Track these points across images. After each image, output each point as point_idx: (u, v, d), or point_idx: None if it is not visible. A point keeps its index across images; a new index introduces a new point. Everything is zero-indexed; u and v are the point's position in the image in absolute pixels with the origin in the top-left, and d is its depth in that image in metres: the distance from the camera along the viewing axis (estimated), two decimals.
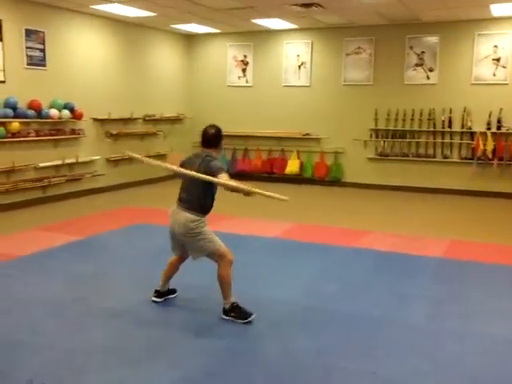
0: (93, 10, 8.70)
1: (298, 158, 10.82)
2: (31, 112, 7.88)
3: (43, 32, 8.19)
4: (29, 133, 7.90)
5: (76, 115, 8.67)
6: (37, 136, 8.04)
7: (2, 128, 7.44)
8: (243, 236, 6.39)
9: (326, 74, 10.53)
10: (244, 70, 11.28)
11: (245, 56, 11.21)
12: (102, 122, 9.43)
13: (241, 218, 7.43)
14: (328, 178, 10.62)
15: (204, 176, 3.71)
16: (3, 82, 7.61)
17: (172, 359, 3.35)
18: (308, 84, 10.70)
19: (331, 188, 10.37)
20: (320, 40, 10.52)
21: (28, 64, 8.00)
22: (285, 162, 10.88)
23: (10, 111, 7.53)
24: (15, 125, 7.61)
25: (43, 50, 8.23)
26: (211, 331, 3.75)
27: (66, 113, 8.43)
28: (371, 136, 10.22)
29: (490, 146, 9.22)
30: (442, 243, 6.24)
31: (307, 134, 10.70)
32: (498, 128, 9.25)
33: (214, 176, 3.73)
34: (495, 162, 9.27)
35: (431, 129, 9.74)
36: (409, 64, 9.87)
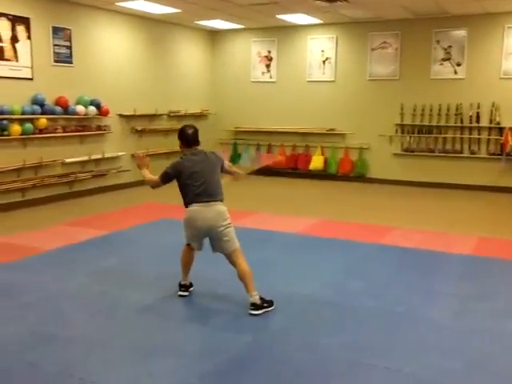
0: (118, 7, 8.78)
1: (323, 154, 10.76)
2: (58, 108, 8.00)
3: (70, 29, 8.30)
4: (56, 129, 8.03)
5: (102, 111, 8.77)
6: (64, 132, 8.15)
7: (30, 124, 7.57)
8: (267, 231, 6.39)
9: (351, 68, 10.45)
10: (268, 66, 11.26)
11: (269, 51, 11.18)
12: (128, 118, 9.52)
13: (264, 214, 7.43)
14: (352, 174, 10.55)
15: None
16: (31, 79, 7.74)
17: (199, 353, 3.37)
18: (333, 79, 10.63)
19: (356, 184, 10.29)
20: (345, 35, 10.43)
21: (55, 61, 8.11)
22: (309, 157, 10.83)
23: (37, 108, 7.66)
24: (43, 121, 7.73)
25: (70, 48, 8.33)
26: (236, 325, 3.76)
27: (92, 109, 8.54)
28: (397, 131, 10.11)
29: None
30: (469, 240, 6.14)
31: (331, 130, 10.63)
32: None
33: (223, 166, 4.22)
34: None
35: (458, 124, 9.59)
36: (435, 58, 9.72)
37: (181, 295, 4.24)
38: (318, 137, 10.80)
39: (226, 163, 4.32)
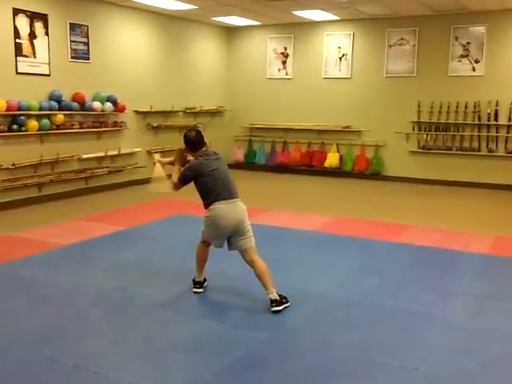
0: (135, 3, 8.81)
1: (338, 151, 10.71)
2: (75, 104, 8.06)
3: (87, 26, 8.34)
4: (73, 125, 8.09)
5: (118, 108, 8.82)
6: (80, 128, 8.21)
7: (47, 120, 7.64)
8: (282, 229, 6.38)
9: (368, 65, 10.38)
10: (284, 63, 11.23)
11: (285, 48, 11.15)
12: (144, 114, 9.56)
13: (280, 211, 7.42)
14: (368, 172, 10.49)
15: None
16: (48, 75, 7.80)
17: (213, 349, 3.38)
18: (349, 76, 10.57)
19: (371, 181, 10.23)
20: (362, 31, 10.36)
21: (72, 57, 8.17)
22: (324, 154, 10.78)
23: (54, 104, 7.72)
24: (60, 117, 7.80)
25: (87, 44, 8.39)
26: (251, 323, 3.76)
27: (108, 105, 8.59)
28: (413, 129, 10.02)
29: None
30: (486, 239, 6.07)
31: (347, 127, 10.58)
32: None
33: None
34: None
35: (476, 122, 9.48)
36: (453, 55, 9.62)
37: (196, 292, 4.25)
38: (333, 134, 10.75)
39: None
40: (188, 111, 10.56)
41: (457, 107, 9.59)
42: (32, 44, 7.54)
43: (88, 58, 8.42)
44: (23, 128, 7.34)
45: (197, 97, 10.81)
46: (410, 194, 9.15)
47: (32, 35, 7.54)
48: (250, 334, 3.58)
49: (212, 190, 3.97)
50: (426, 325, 3.78)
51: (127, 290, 4.32)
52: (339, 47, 10.60)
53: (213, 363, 3.19)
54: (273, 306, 3.85)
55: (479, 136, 9.53)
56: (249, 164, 11.37)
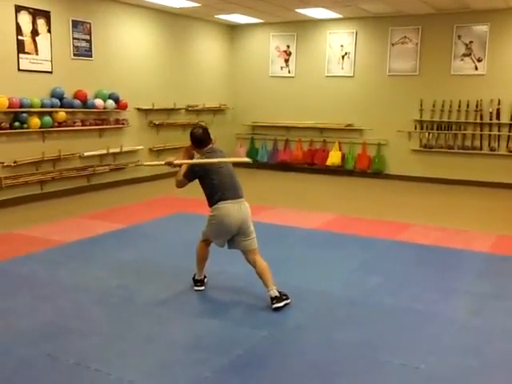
0: (138, 0, 8.81)
1: (340, 150, 10.70)
2: (77, 102, 8.06)
3: (89, 23, 8.34)
4: (75, 122, 8.09)
5: (120, 105, 8.81)
6: (82, 125, 8.21)
7: (49, 117, 7.63)
8: (284, 227, 6.38)
9: (370, 64, 10.36)
10: (287, 61, 11.21)
11: (288, 46, 11.13)
12: (146, 112, 9.56)
13: (282, 209, 7.42)
14: (370, 170, 10.47)
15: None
16: (50, 72, 7.80)
17: (214, 347, 3.37)
18: (351, 74, 10.55)
19: (373, 180, 10.22)
20: (364, 29, 10.34)
21: (74, 55, 8.16)
22: (326, 153, 10.77)
23: (56, 101, 7.72)
24: (61, 114, 7.79)
25: (89, 41, 8.38)
26: (252, 320, 3.76)
27: (110, 103, 8.58)
28: (416, 127, 10.01)
29: None
30: (488, 238, 6.07)
31: (349, 125, 10.57)
32: None
33: None
34: None
35: (478, 120, 9.47)
36: (456, 54, 9.59)
37: (197, 290, 4.25)
38: (335, 132, 10.74)
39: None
40: (190, 109, 10.56)
41: (459, 106, 9.57)
42: (34, 41, 7.54)
43: (90, 56, 8.42)
44: (25, 125, 7.34)
45: (199, 95, 10.81)
46: (411, 192, 9.14)
47: (34, 32, 7.53)
48: (251, 331, 3.58)
49: (218, 188, 3.93)
50: (428, 323, 3.78)
51: (128, 288, 4.32)
52: (342, 45, 10.58)
53: (213, 361, 3.18)
54: (273, 303, 3.85)
55: (481, 135, 9.51)
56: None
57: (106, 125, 8.65)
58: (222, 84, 11.59)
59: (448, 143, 9.77)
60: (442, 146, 9.81)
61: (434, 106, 9.75)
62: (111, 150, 8.76)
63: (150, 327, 3.66)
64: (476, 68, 9.47)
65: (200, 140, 4.08)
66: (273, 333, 3.58)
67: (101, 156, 8.67)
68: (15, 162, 7.30)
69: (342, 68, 10.63)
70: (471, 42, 9.46)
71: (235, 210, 3.90)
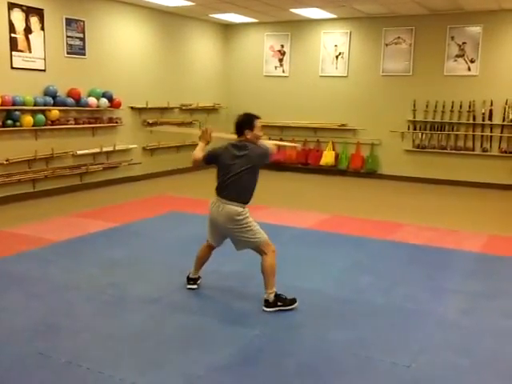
0: None
1: (334, 149, 10.73)
2: (70, 100, 8.03)
3: (83, 21, 8.32)
4: (68, 121, 8.06)
5: (114, 104, 8.80)
6: (75, 124, 8.19)
7: (42, 116, 7.61)
8: (277, 226, 6.38)
9: (364, 64, 10.39)
10: (281, 60, 11.23)
11: (282, 46, 11.15)
12: (140, 110, 9.54)
13: (275, 208, 7.43)
14: (363, 170, 10.51)
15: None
16: (44, 70, 7.77)
17: (206, 346, 3.37)
18: (345, 74, 10.58)
19: (367, 180, 10.25)
20: (359, 30, 10.37)
21: (68, 53, 8.14)
22: (320, 152, 10.80)
23: (49, 99, 7.69)
24: (55, 113, 7.77)
25: (83, 39, 8.36)
26: (245, 320, 3.76)
27: (104, 101, 8.56)
28: (409, 128, 10.05)
29: None
30: (479, 238, 6.11)
31: (343, 125, 10.59)
32: None
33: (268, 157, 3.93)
34: None
35: (471, 121, 9.52)
36: (449, 55, 9.64)
37: (190, 288, 4.24)
38: (329, 132, 10.77)
39: (268, 145, 4.04)
40: (184, 108, 10.55)
41: (452, 106, 9.62)
42: (27, 39, 7.51)
43: (84, 54, 8.40)
44: (18, 123, 7.31)
45: (193, 94, 10.80)
46: (404, 192, 9.17)
47: (27, 30, 7.50)
48: (244, 330, 3.59)
49: (219, 182, 3.92)
50: (419, 322, 3.80)
51: (120, 287, 4.31)
52: (336, 45, 10.61)
53: (205, 360, 3.18)
54: (263, 305, 3.88)
55: (474, 135, 9.57)
56: None
57: (100, 123, 8.62)
58: (216, 83, 11.58)
59: (441, 144, 9.82)
60: (435, 147, 9.85)
61: (427, 106, 9.80)
62: (104, 149, 8.74)
63: (141, 325, 3.66)
64: (469, 69, 9.53)
65: (235, 125, 3.96)
66: (265, 332, 3.59)
67: (94, 154, 8.64)
68: (7, 160, 7.27)
69: (336, 68, 10.66)
70: (464, 43, 9.51)
71: (216, 207, 3.88)
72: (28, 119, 7.38)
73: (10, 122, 7.23)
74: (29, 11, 7.49)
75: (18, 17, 7.36)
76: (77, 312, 3.84)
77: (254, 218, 3.98)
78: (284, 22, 10.90)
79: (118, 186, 8.95)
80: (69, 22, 8.09)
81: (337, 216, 7.11)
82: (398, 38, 10.02)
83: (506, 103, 9.21)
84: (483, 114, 9.40)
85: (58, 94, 7.84)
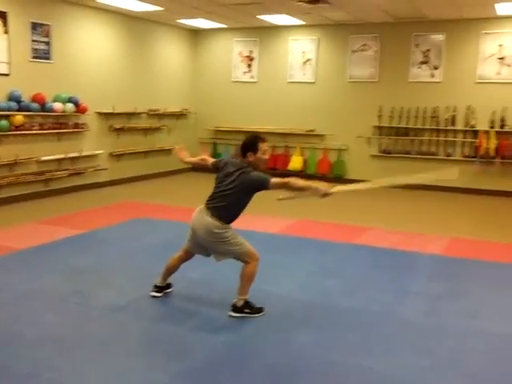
0: (99, 3, 8.72)
1: (302, 155, 10.82)
2: (35, 105, 7.91)
3: (49, 25, 8.21)
4: (32, 126, 7.93)
5: (80, 109, 8.69)
6: (40, 129, 8.06)
7: (6, 121, 7.47)
8: (244, 231, 6.36)
9: (332, 70, 10.52)
10: (249, 66, 11.28)
11: (250, 51, 11.21)
12: (106, 116, 9.46)
13: (242, 214, 7.42)
14: (331, 175, 10.62)
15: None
16: (7, 75, 7.64)
17: (171, 353, 3.37)
18: (313, 80, 10.69)
19: (334, 185, 10.32)
20: (326, 37, 10.50)
21: (33, 57, 8.02)
22: (288, 158, 10.88)
23: (13, 104, 7.56)
24: (19, 118, 7.64)
25: (48, 44, 8.25)
26: (210, 326, 3.76)
27: (70, 106, 8.46)
28: (375, 133, 10.22)
29: (492, 145, 9.22)
30: (442, 240, 6.25)
31: (311, 131, 10.70)
32: (502, 127, 9.24)
33: (265, 187, 3.69)
34: (498, 160, 9.27)
35: (434, 127, 9.73)
36: (414, 62, 9.85)
37: (153, 296, 4.20)
38: (297, 137, 10.86)
39: (275, 181, 3.70)
40: (152, 113, 10.49)
41: (416, 112, 9.82)
42: None
43: (49, 58, 8.28)
44: None
45: (161, 99, 10.76)
46: (370, 196, 9.28)
47: None
48: (210, 337, 3.59)
49: (212, 191, 3.93)
50: (382, 324, 3.87)
51: (84, 295, 4.27)
52: (304, 52, 10.72)
53: (170, 367, 3.18)
54: (230, 310, 3.89)
55: (437, 140, 9.78)
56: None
57: (65, 129, 8.51)
58: (185, 88, 11.57)
59: (406, 149, 10.00)
60: (400, 152, 10.04)
61: (392, 112, 9.98)
62: (70, 155, 8.62)
63: (106, 333, 3.63)
64: (432, 75, 9.74)
65: (241, 147, 3.91)
66: (230, 337, 3.60)
67: (59, 160, 8.52)
68: None
69: (304, 74, 10.76)
70: (428, 51, 9.73)
71: (196, 214, 3.89)
72: None
73: None
74: None
75: None
76: (40, 321, 3.78)
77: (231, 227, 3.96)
78: (253, 28, 10.97)
79: (84, 193, 8.84)
80: (34, 25, 7.97)
81: (304, 221, 7.17)
82: (365, 45, 10.19)
83: (468, 109, 9.45)
84: (446, 119, 9.62)
85: (22, 99, 7.71)
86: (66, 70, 8.60)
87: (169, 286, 4.30)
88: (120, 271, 4.88)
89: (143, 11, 9.32)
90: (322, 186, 3.80)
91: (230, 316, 3.88)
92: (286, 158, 10.88)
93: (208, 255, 4.01)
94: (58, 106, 8.24)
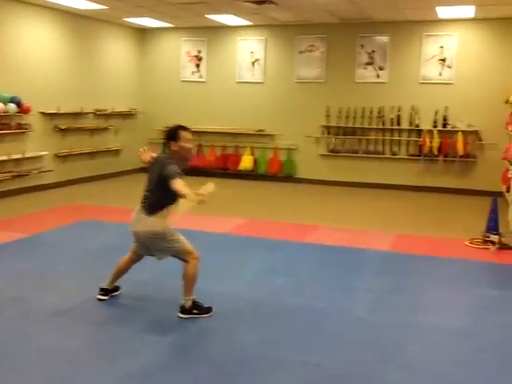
0: (42, 1, 8.47)
1: (252, 154, 10.86)
2: None
3: None
4: None
5: (23, 109, 8.41)
6: None
7: None
8: (192, 232, 6.32)
9: (280, 70, 10.61)
10: (198, 66, 11.23)
11: (199, 51, 11.15)
12: (51, 116, 9.20)
13: (192, 215, 7.37)
14: (281, 174, 10.71)
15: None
16: None
17: (118, 356, 3.32)
18: (262, 81, 10.75)
19: (284, 184, 10.45)
20: (274, 37, 10.57)
21: None
22: (239, 158, 10.89)
23: None
24: None
25: None
26: (157, 328, 3.73)
27: (12, 106, 8.18)
28: (323, 133, 10.36)
29: (436, 143, 9.52)
30: (388, 237, 6.40)
31: (261, 131, 10.74)
32: (444, 126, 9.55)
33: (168, 181, 3.66)
34: (440, 158, 9.58)
35: (380, 126, 9.96)
36: (360, 62, 10.05)
37: (100, 299, 4.13)
38: (247, 137, 10.88)
39: (174, 182, 3.67)
40: (99, 113, 10.28)
41: (363, 112, 10.02)
42: None
43: None
44: None
45: (108, 98, 10.56)
46: (320, 195, 9.44)
47: None
48: (157, 338, 3.55)
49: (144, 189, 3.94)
50: (329, 321, 3.93)
51: (26, 300, 4.14)
52: (252, 52, 10.75)
53: (117, 370, 3.13)
54: (179, 311, 3.87)
55: (383, 140, 10.02)
56: None
57: (7, 129, 8.22)
58: (133, 88, 11.40)
59: (353, 148, 10.20)
60: (348, 151, 10.22)
61: (339, 112, 10.15)
62: (13, 156, 8.34)
63: (49, 339, 3.53)
64: (378, 76, 9.97)
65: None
66: (178, 338, 3.58)
67: (1, 162, 8.22)
68: None
69: (253, 74, 10.80)
70: (373, 52, 9.95)
71: (134, 215, 3.91)
72: None
73: None
74: None
75: None
76: None
77: (171, 225, 3.93)
78: (201, 28, 10.93)
79: (29, 195, 8.56)
80: None
81: (254, 220, 7.20)
82: (311, 45, 10.32)
83: (413, 109, 9.72)
84: (392, 119, 9.87)
85: None
86: (7, 69, 8.31)
87: (116, 288, 4.23)
88: (64, 275, 4.76)
89: (88, 9, 9.12)
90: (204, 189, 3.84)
91: (179, 317, 3.85)
92: (237, 158, 10.89)
93: (152, 254, 3.98)
94: None
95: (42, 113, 9.00)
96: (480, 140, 9.44)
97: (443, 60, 9.53)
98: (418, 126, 9.71)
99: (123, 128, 11.00)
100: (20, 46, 8.54)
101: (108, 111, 10.46)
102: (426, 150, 9.56)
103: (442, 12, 8.66)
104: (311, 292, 4.49)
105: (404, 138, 9.90)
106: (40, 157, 8.95)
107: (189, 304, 3.86)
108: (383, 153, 10.03)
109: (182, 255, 3.87)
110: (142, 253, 4.02)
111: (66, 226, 6.53)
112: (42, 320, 3.80)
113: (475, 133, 9.42)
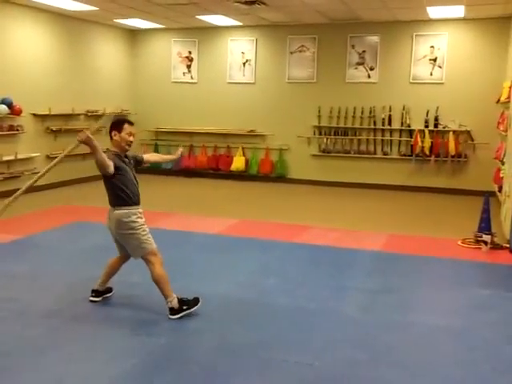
0: (33, 2, 8.45)
1: (244, 155, 10.87)
2: None
3: None
4: None
5: (14, 111, 8.40)
6: None
7: None
8: (185, 232, 6.39)
9: (271, 71, 10.63)
10: (189, 67, 11.23)
11: (189, 52, 11.16)
12: (42, 117, 9.18)
13: (184, 215, 7.42)
14: (273, 175, 10.73)
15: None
16: None
17: (110, 358, 3.32)
18: (253, 81, 10.77)
19: (276, 184, 10.47)
20: (264, 37, 10.60)
21: None
22: (230, 158, 10.91)
23: None
24: None
25: None
26: (150, 328, 3.73)
27: (3, 108, 8.16)
28: (314, 133, 10.40)
29: (427, 143, 9.58)
30: (380, 237, 6.43)
31: (252, 131, 10.77)
32: (435, 126, 9.62)
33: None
34: (432, 158, 9.63)
35: (372, 126, 10.01)
36: (350, 62, 10.09)
37: (92, 301, 4.14)
38: (239, 138, 10.90)
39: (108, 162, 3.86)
40: (90, 114, 10.27)
41: (354, 112, 10.07)
42: None
43: None
44: None
45: (99, 100, 10.55)
46: (311, 195, 9.47)
47: None
48: (148, 339, 3.56)
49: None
50: (321, 321, 3.95)
51: (19, 301, 4.13)
52: (243, 52, 10.77)
53: (109, 371, 3.14)
54: (169, 314, 3.87)
55: (375, 140, 10.07)
56: (155, 168, 11.23)
57: None
58: (124, 89, 11.38)
59: (345, 148, 10.24)
60: (340, 151, 10.26)
61: (331, 112, 10.19)
62: (5, 158, 8.32)
63: (42, 340, 3.53)
64: (369, 76, 10.02)
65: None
66: (170, 339, 3.59)
67: None
68: None
69: (244, 75, 10.82)
70: (364, 52, 9.99)
71: (108, 215, 3.96)
72: None
73: None
74: None
75: None
76: None
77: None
78: (191, 29, 10.93)
79: (21, 197, 8.48)
80: None
81: (246, 220, 7.21)
82: (302, 46, 10.35)
83: (404, 109, 9.78)
84: (383, 119, 9.92)
85: None
86: None
87: (108, 290, 4.23)
88: (56, 276, 4.75)
89: (78, 11, 9.10)
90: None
91: (170, 319, 3.85)
92: (229, 159, 10.91)
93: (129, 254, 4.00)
94: None
95: (34, 114, 8.99)
96: (471, 140, 9.51)
97: (434, 60, 9.59)
98: (409, 125, 9.77)
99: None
100: (10, 48, 8.52)
101: (99, 112, 10.44)
102: (417, 149, 9.61)
103: (433, 12, 8.72)
104: (303, 292, 4.51)
105: (395, 137, 9.96)
106: (32, 158, 8.93)
107: (175, 303, 3.87)
108: (375, 153, 10.08)
109: (147, 256, 3.88)
110: (123, 251, 4.04)
111: (59, 228, 6.53)
112: (34, 321, 3.79)
113: (467, 132, 9.49)
